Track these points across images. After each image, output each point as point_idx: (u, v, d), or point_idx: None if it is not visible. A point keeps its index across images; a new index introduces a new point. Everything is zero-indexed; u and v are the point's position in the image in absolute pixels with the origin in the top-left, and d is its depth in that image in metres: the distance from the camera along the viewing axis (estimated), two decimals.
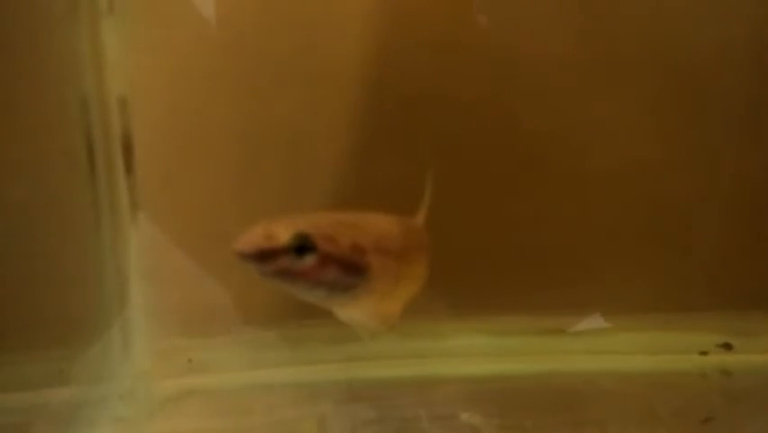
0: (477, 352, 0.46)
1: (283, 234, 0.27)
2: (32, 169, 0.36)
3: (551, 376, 0.44)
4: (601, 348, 0.45)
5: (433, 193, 0.39)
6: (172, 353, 0.43)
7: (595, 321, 0.45)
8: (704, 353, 0.44)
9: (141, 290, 0.42)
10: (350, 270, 0.29)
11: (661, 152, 0.46)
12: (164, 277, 0.43)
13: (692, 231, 0.46)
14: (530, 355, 0.45)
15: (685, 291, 0.45)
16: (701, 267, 0.46)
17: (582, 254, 0.46)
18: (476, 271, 0.44)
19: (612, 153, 0.46)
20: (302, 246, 0.27)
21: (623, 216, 0.46)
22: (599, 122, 0.45)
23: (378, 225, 0.32)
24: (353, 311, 0.32)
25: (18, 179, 0.36)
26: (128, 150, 0.39)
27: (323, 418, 0.39)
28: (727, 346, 0.44)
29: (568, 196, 0.45)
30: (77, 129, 0.38)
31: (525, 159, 0.45)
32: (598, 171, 0.44)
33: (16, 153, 0.35)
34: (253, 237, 0.27)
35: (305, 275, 0.28)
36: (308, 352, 0.44)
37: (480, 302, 0.44)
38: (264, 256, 0.27)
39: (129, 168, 0.40)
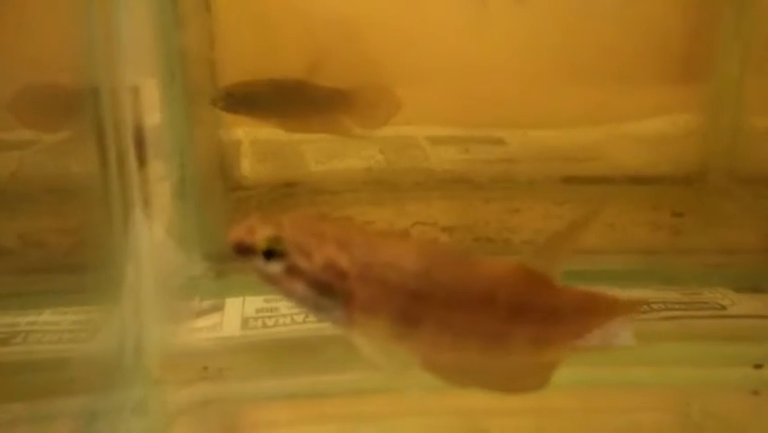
0: None
1: (261, 232, 0.25)
2: (40, 163, 0.34)
3: (586, 389, 0.41)
4: (641, 359, 0.42)
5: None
6: (186, 360, 0.40)
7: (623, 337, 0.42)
8: (758, 366, 0.41)
9: (153, 293, 0.39)
10: (320, 289, 0.26)
11: None
12: (167, 281, 0.40)
13: None
14: (562, 367, 0.43)
15: None
16: None
17: None
18: None
19: None
20: (271, 251, 0.25)
21: None
22: None
23: (399, 252, 0.27)
24: (355, 338, 0.28)
25: (25, 172, 0.33)
26: (140, 143, 0.37)
27: None
28: None
29: None
30: (88, 120, 0.35)
31: None
32: None
33: (23, 144, 0.33)
34: (240, 229, 0.25)
35: (274, 282, 0.26)
36: (335, 357, 0.42)
37: None
38: (242, 251, 0.25)
39: (142, 162, 0.37)
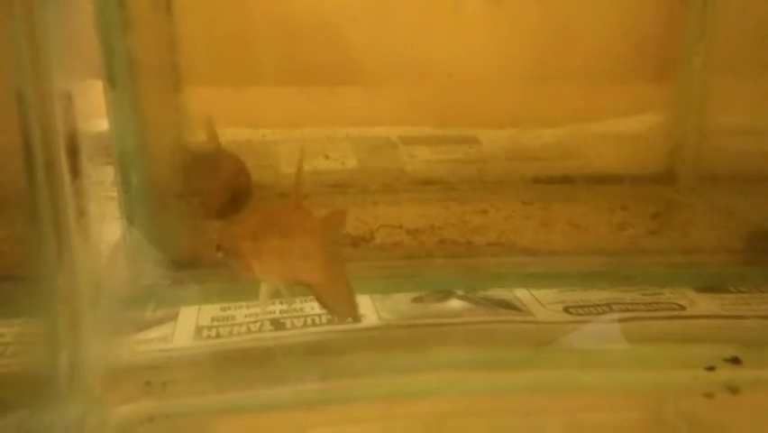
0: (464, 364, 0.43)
1: None
2: None
3: (541, 391, 0.41)
4: (595, 362, 0.41)
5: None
6: (129, 374, 0.39)
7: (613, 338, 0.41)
8: (710, 368, 0.41)
9: (91, 306, 0.38)
10: None
11: None
12: (117, 291, 0.39)
13: None
14: (523, 369, 0.42)
15: None
16: None
17: None
18: None
19: None
20: None
21: None
22: None
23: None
24: None
25: None
26: (73, 152, 0.35)
27: None
28: (735, 361, 0.41)
29: None
30: (13, 129, 0.33)
31: None
32: None
33: None
34: None
35: None
36: (286, 368, 0.41)
37: None
38: None
39: (75, 172, 0.36)
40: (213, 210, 0.48)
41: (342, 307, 0.41)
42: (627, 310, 0.47)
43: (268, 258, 0.35)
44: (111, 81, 0.47)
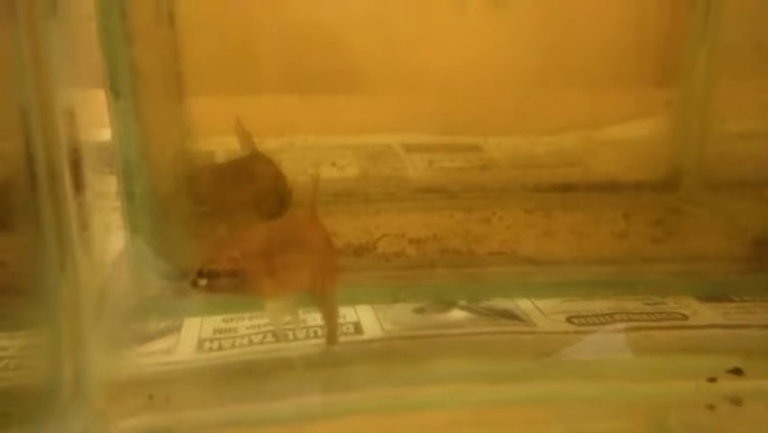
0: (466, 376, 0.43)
1: None
2: None
3: (543, 402, 0.40)
4: (597, 372, 0.41)
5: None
6: (131, 388, 0.39)
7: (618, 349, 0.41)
8: (712, 379, 0.41)
9: (94, 318, 0.38)
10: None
11: None
12: (121, 303, 0.39)
13: None
14: (526, 381, 0.42)
15: None
16: None
17: None
18: None
19: None
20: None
21: None
22: None
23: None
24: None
25: None
26: (76, 166, 0.35)
27: None
28: (738, 372, 0.41)
29: None
30: (17, 143, 0.34)
31: None
32: None
33: None
34: None
35: None
36: (282, 381, 0.41)
37: None
38: None
39: (78, 186, 0.36)
40: (264, 213, 0.47)
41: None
42: (630, 320, 0.47)
43: (282, 274, 0.35)
44: (114, 92, 0.47)
